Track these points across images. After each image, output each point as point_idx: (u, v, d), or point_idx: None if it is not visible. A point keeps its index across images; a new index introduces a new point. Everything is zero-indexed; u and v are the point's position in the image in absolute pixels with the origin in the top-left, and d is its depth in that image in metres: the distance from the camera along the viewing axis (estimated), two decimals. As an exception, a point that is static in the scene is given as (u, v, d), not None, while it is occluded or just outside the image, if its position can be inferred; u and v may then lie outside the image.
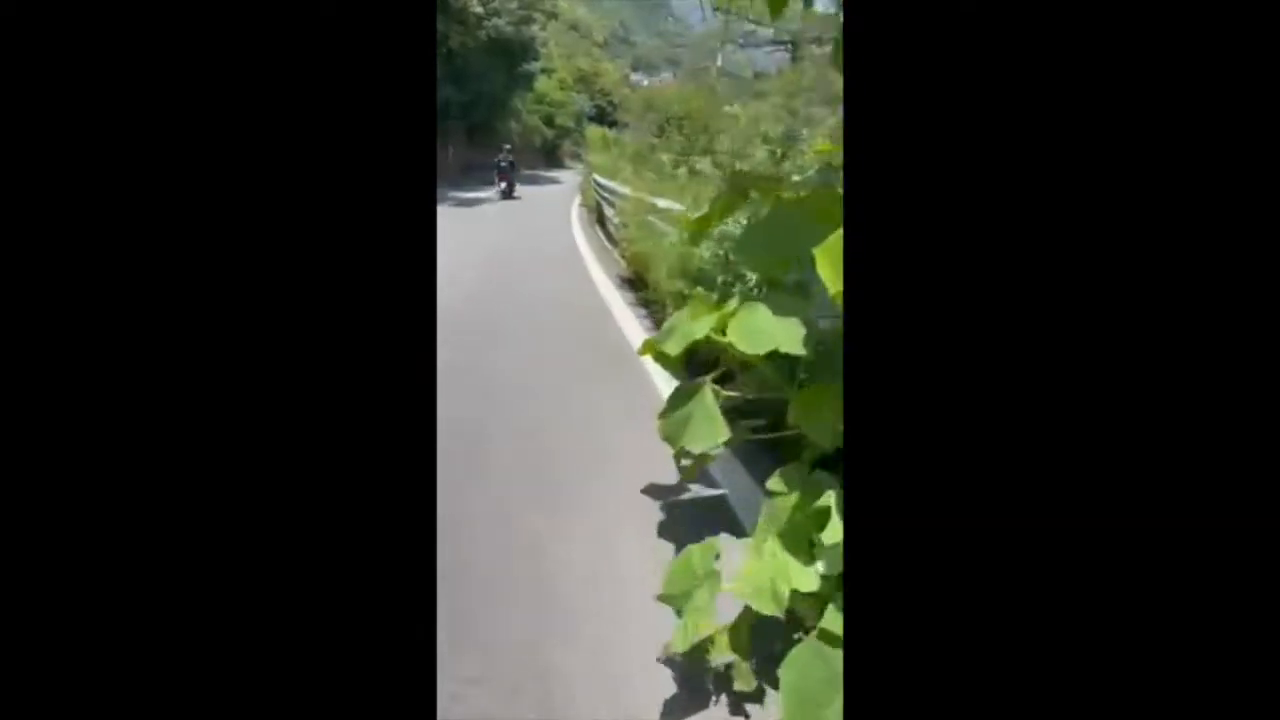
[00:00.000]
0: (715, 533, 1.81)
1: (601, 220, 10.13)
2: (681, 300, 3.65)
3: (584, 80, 58.99)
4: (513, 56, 23.64)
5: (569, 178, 25.31)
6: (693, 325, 1.78)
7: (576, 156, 46.14)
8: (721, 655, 1.50)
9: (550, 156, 43.55)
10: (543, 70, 45.94)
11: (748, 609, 1.45)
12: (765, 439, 2.09)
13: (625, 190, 7.55)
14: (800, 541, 1.44)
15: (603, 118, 59.37)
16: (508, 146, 17.04)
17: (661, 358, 1.92)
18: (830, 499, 1.43)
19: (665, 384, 2.95)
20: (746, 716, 1.45)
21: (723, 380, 1.88)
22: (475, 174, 25.12)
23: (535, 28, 24.99)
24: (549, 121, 42.32)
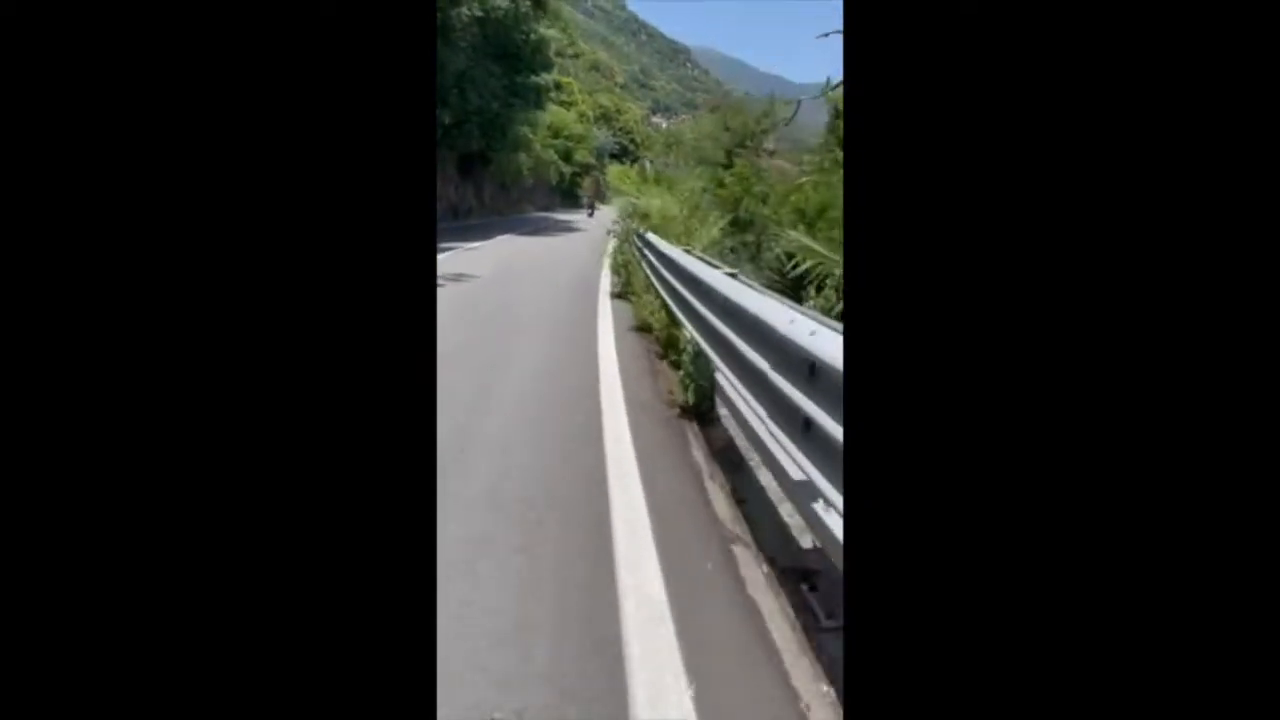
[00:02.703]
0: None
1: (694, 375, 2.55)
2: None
3: (606, 117, 52.98)
4: (515, 60, 16.35)
5: (593, 225, 17.73)
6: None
7: (600, 196, 39.45)
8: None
9: (568, 196, 36.54)
10: (562, 102, 39.64)
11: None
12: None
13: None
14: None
15: (625, 156, 53.46)
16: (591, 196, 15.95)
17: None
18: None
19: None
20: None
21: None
22: (467, 220, 17.94)
23: (546, 26, 17.55)
24: (566, 156, 35.41)
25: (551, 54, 18.26)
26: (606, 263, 7.43)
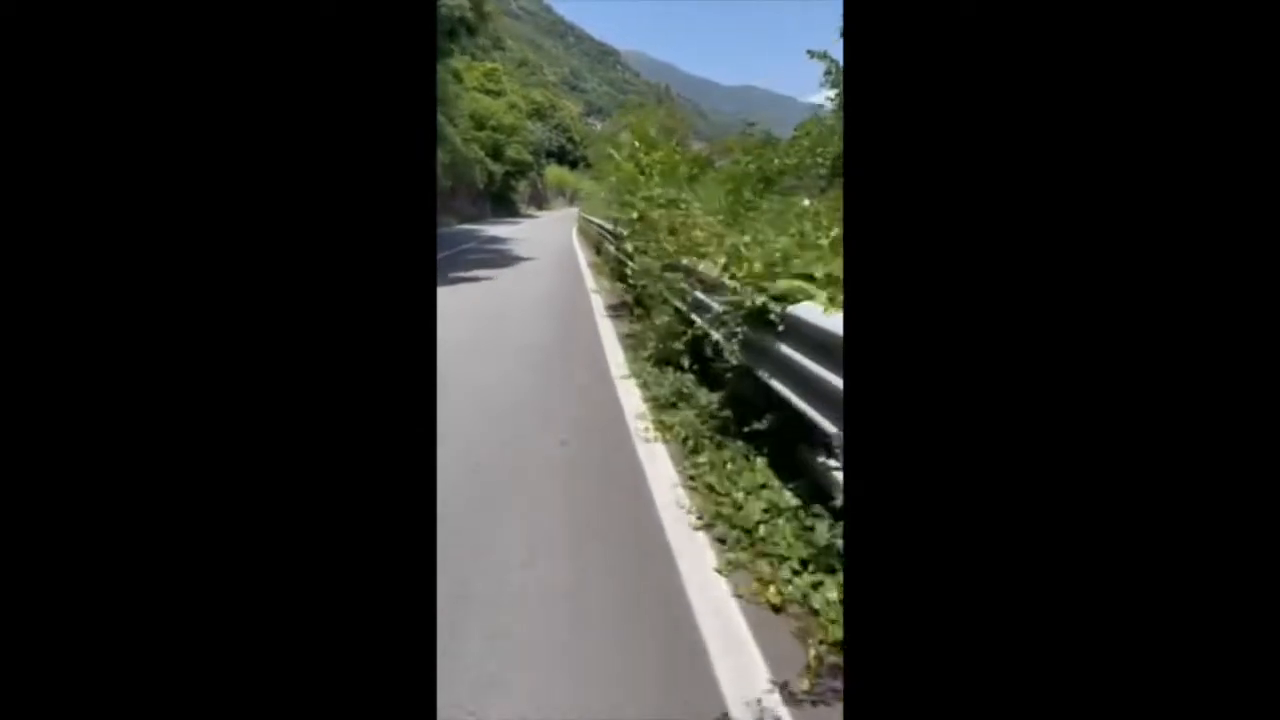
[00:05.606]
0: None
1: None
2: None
3: (540, 113, 45.53)
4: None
5: (550, 247, 10.90)
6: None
7: (540, 201, 32.05)
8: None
9: (500, 201, 29.21)
10: (489, 90, 32.19)
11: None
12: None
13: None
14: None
15: (563, 157, 46.25)
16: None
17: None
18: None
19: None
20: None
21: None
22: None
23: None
24: (496, 153, 28.05)
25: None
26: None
